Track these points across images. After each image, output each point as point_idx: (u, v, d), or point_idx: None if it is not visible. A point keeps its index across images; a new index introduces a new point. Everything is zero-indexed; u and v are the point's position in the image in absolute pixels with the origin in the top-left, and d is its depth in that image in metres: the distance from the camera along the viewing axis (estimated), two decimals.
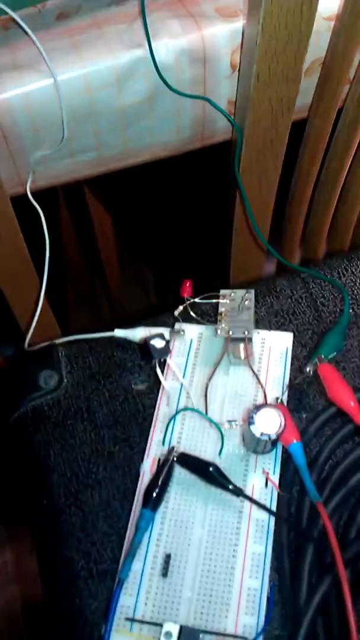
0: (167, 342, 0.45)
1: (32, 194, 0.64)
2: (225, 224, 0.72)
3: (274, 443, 0.43)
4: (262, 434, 0.41)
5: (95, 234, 1.01)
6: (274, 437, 0.41)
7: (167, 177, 0.93)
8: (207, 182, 0.89)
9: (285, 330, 0.51)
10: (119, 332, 0.51)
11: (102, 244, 1.01)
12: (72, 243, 1.00)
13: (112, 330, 0.52)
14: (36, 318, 0.62)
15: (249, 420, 0.42)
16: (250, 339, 0.47)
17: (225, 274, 0.77)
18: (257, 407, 0.42)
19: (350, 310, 0.52)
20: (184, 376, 0.49)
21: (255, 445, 0.43)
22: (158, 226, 1.00)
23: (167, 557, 0.41)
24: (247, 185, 0.67)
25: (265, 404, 0.42)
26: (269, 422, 0.41)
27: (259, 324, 0.53)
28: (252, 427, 0.41)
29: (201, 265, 0.65)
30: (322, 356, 0.46)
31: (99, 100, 0.59)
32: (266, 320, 0.53)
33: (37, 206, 0.63)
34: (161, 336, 0.44)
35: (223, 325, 0.47)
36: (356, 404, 0.43)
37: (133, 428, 0.48)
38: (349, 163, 0.70)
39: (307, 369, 0.46)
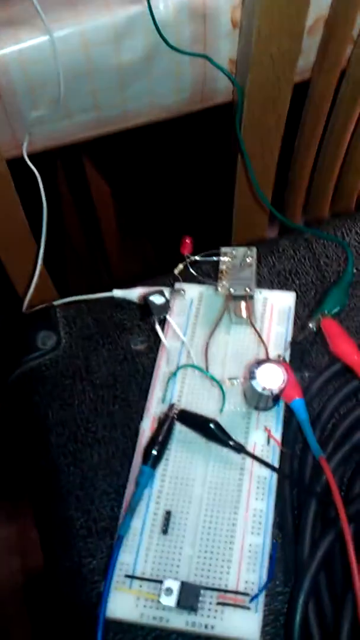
0: (167, 299, 0.44)
1: (29, 156, 0.63)
2: (227, 186, 0.71)
3: (276, 399, 0.42)
4: (263, 389, 0.40)
5: (95, 203, 1.00)
6: (276, 392, 0.40)
7: (168, 143, 0.92)
8: (207, 146, 0.88)
9: (288, 290, 0.50)
10: (117, 292, 0.50)
11: (102, 213, 1.00)
12: (71, 212, 0.99)
13: (111, 291, 0.51)
14: (34, 283, 0.61)
15: (250, 375, 0.41)
16: (251, 297, 0.46)
17: (227, 237, 0.76)
18: (259, 362, 0.41)
19: (354, 269, 0.51)
20: (184, 335, 0.48)
21: (256, 401, 0.42)
22: (158, 193, 0.99)
23: (167, 514, 0.41)
24: (249, 146, 0.65)
25: (267, 359, 0.41)
26: (271, 377, 0.40)
27: (261, 284, 0.52)
28: (253, 382, 0.40)
29: (203, 228, 0.63)
30: (325, 311, 0.45)
31: (96, 58, 0.57)
32: (268, 280, 0.52)
33: (34, 169, 0.62)
34: (160, 292, 0.43)
35: (224, 282, 0.46)
36: None
37: (132, 387, 0.47)
38: (353, 124, 0.69)
39: (310, 325, 0.45)
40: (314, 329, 0.45)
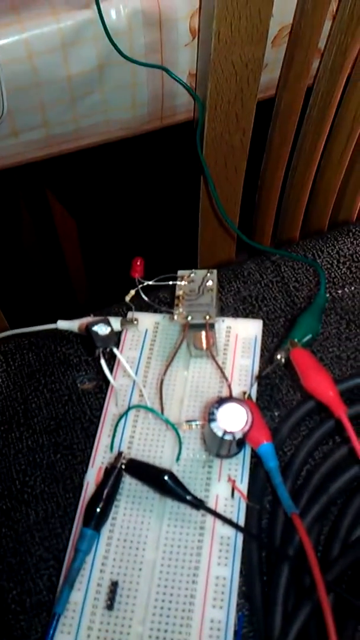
0: (113, 329, 0.38)
1: None
2: (194, 209, 0.66)
3: (240, 444, 0.36)
4: (225, 433, 0.34)
5: (60, 236, 0.95)
6: (239, 436, 0.34)
7: (130, 166, 0.87)
8: (170, 167, 0.83)
9: (254, 318, 0.45)
10: (62, 324, 0.44)
11: (67, 246, 0.95)
12: (33, 244, 0.94)
13: (55, 322, 0.45)
14: None
15: (209, 417, 0.35)
16: (212, 326, 0.40)
17: (193, 263, 0.70)
18: (219, 402, 0.35)
19: (327, 294, 0.46)
20: (137, 372, 0.42)
21: (218, 448, 0.36)
22: (122, 219, 0.94)
23: (113, 586, 0.34)
24: (212, 166, 0.61)
25: (228, 398, 0.35)
26: (233, 419, 0.34)
27: (225, 311, 0.46)
28: (213, 425, 0.34)
29: (169, 255, 0.58)
30: (295, 340, 0.39)
31: (42, 68, 0.52)
32: (232, 307, 0.46)
33: None
34: (105, 322, 0.37)
35: (180, 310, 0.40)
36: (336, 394, 0.36)
37: (78, 433, 0.41)
38: (322, 143, 0.64)
39: (278, 356, 0.39)
40: (283, 360, 0.39)
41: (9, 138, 0.57)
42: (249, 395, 0.39)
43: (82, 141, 0.61)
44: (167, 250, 0.70)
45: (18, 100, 0.54)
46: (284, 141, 0.64)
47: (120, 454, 0.37)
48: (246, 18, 0.48)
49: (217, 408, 0.35)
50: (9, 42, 0.50)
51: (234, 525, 0.35)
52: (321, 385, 0.36)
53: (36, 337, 0.45)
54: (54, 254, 0.97)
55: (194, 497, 0.35)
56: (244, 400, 0.37)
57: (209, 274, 0.42)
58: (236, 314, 0.46)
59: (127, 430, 0.40)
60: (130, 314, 0.44)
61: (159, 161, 0.85)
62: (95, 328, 0.37)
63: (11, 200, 0.90)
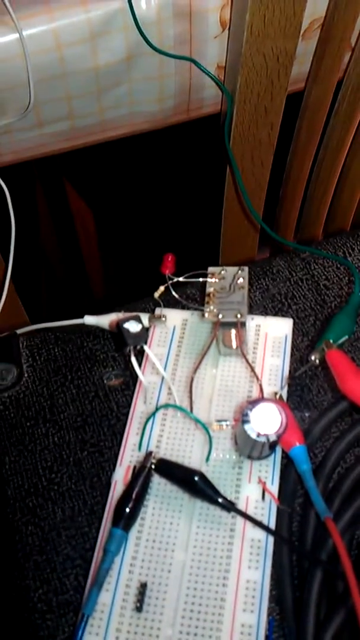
0: (144, 326, 0.37)
1: None
2: (215, 204, 0.65)
3: (273, 446, 0.36)
4: (258, 435, 0.34)
5: (76, 226, 0.94)
6: (273, 438, 0.34)
7: (152, 158, 0.86)
8: (193, 160, 0.82)
9: (284, 316, 0.44)
10: (89, 319, 0.44)
11: (83, 236, 0.94)
12: (49, 234, 0.93)
13: (82, 317, 0.44)
14: (0, 306, 0.54)
15: (243, 419, 0.34)
16: (243, 324, 0.39)
17: (214, 258, 0.69)
18: (252, 403, 0.34)
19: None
20: (165, 369, 0.41)
21: (250, 449, 0.36)
22: (142, 212, 0.93)
23: (142, 587, 0.34)
24: (239, 160, 0.59)
25: (262, 399, 0.34)
26: (267, 421, 0.34)
27: (253, 309, 0.45)
28: (246, 427, 0.34)
29: (189, 249, 0.57)
30: (331, 341, 0.38)
31: (70, 59, 0.51)
32: (261, 305, 0.45)
33: (2, 183, 0.56)
34: (137, 318, 0.37)
35: (211, 307, 0.40)
36: None
37: (104, 430, 0.41)
38: (350, 138, 0.63)
39: (313, 357, 0.38)
40: (317, 361, 0.38)
41: (34, 129, 0.56)
42: (281, 396, 0.38)
43: (107, 133, 0.61)
44: (188, 245, 0.70)
45: (44, 91, 0.53)
46: (312, 135, 0.63)
47: (150, 453, 0.37)
48: (280, 11, 0.48)
49: (250, 409, 0.34)
50: (38, 32, 0.50)
51: (265, 528, 0.34)
52: (358, 386, 0.36)
53: (62, 332, 0.45)
54: (71, 246, 0.97)
55: (225, 499, 0.34)
56: (276, 400, 0.36)
57: (240, 272, 0.41)
58: (265, 312, 0.45)
59: (155, 429, 0.39)
60: (158, 310, 0.44)
61: (182, 154, 0.84)
62: (127, 325, 0.36)
63: (29, 191, 0.90)
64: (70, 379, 0.43)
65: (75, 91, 0.55)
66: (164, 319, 0.43)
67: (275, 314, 0.45)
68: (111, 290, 1.00)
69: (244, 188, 0.58)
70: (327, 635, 0.31)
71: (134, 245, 0.94)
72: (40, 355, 0.44)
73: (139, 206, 0.94)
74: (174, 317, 0.44)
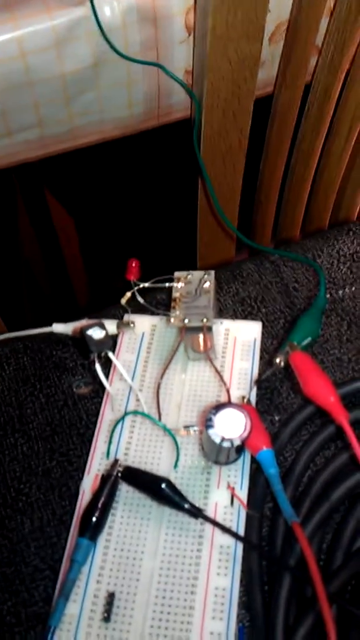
0: (107, 332, 0.37)
1: None
2: (192, 208, 0.65)
3: (239, 451, 0.35)
4: (223, 440, 0.33)
5: (58, 234, 0.94)
6: (237, 442, 0.33)
7: (129, 164, 0.86)
8: (168, 167, 0.82)
9: (253, 319, 0.44)
10: (58, 327, 0.43)
11: (65, 243, 0.93)
12: (31, 244, 0.93)
13: (51, 325, 0.44)
14: None
15: (207, 424, 0.34)
16: (209, 328, 0.39)
17: (192, 263, 0.69)
18: (217, 407, 0.34)
19: (328, 295, 0.45)
20: (133, 376, 0.41)
21: (216, 454, 0.35)
22: (121, 219, 0.93)
23: (110, 597, 0.33)
24: (210, 166, 0.59)
25: (226, 403, 0.34)
26: (231, 425, 0.33)
27: (223, 313, 0.45)
28: (210, 432, 0.33)
29: (169, 255, 0.57)
30: (295, 343, 0.38)
31: (36, 67, 0.51)
32: (231, 309, 0.45)
33: None
34: (100, 325, 0.36)
35: (177, 312, 0.39)
36: (337, 399, 0.35)
37: (74, 439, 0.40)
38: (322, 141, 0.63)
39: (277, 360, 0.38)
40: (282, 364, 0.38)
41: (3, 138, 0.56)
42: (248, 400, 0.38)
43: (78, 140, 0.60)
44: (166, 250, 0.70)
45: (11, 100, 0.53)
46: (283, 139, 0.63)
47: (116, 461, 0.36)
48: (242, 13, 0.47)
49: (214, 414, 0.34)
50: (1, 40, 0.49)
51: (234, 534, 0.34)
52: (321, 390, 0.35)
53: (31, 341, 0.44)
54: (53, 254, 0.96)
55: (192, 506, 0.34)
56: (242, 405, 0.36)
57: (206, 276, 0.41)
58: (235, 315, 0.45)
59: (123, 436, 0.39)
60: (126, 317, 0.43)
61: (157, 160, 0.84)
62: (90, 332, 0.36)
63: (9, 198, 0.89)
64: (40, 388, 0.42)
65: (42, 99, 0.54)
66: (132, 325, 0.42)
67: (245, 317, 0.45)
68: (95, 298, 0.99)
69: (214, 194, 0.58)
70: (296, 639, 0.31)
71: (115, 251, 0.94)
72: (9, 364, 0.44)
73: (117, 211, 0.94)
74: (143, 323, 0.43)
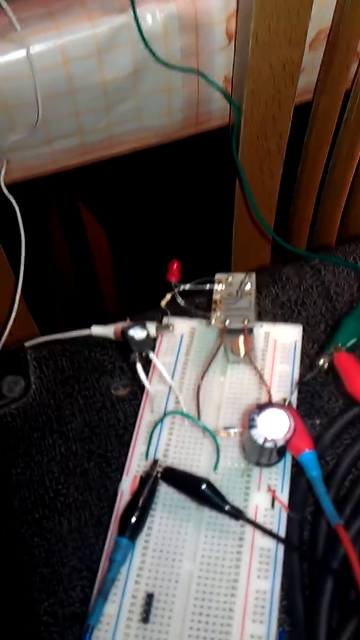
0: (149, 332, 0.37)
1: (7, 186, 0.57)
2: (226, 215, 0.65)
3: (281, 452, 0.35)
4: (266, 440, 0.33)
5: (90, 244, 0.94)
6: (281, 443, 0.33)
7: (162, 171, 0.87)
8: (203, 172, 0.82)
9: (294, 323, 0.43)
10: (96, 329, 0.43)
11: (97, 254, 0.94)
12: (64, 254, 0.94)
13: (89, 327, 0.44)
14: (11, 320, 0.54)
15: (250, 424, 0.33)
16: (250, 330, 0.39)
17: (227, 268, 0.69)
18: (260, 408, 0.34)
19: None
20: (173, 377, 0.41)
21: (258, 456, 0.35)
22: (154, 224, 0.93)
23: (149, 598, 0.33)
24: (248, 171, 0.59)
25: (269, 404, 0.34)
26: (274, 426, 0.33)
27: (262, 317, 0.45)
28: (253, 432, 0.33)
29: (201, 260, 0.57)
30: (339, 344, 0.38)
31: (77, 75, 0.52)
32: (271, 312, 0.45)
33: (12, 199, 0.56)
34: (141, 325, 0.36)
35: (218, 314, 0.39)
36: None
37: (112, 440, 0.40)
38: None
39: (321, 361, 0.38)
40: (325, 365, 0.38)
41: (43, 145, 0.56)
42: (290, 402, 0.38)
43: (116, 148, 0.61)
44: (200, 257, 0.69)
45: (53, 108, 0.53)
46: (321, 146, 0.62)
47: (155, 462, 0.36)
48: (284, 20, 0.48)
49: (257, 414, 0.33)
50: (45, 49, 0.50)
51: (274, 536, 0.34)
52: None
53: (70, 344, 0.44)
54: (85, 263, 0.97)
55: (233, 507, 0.34)
56: (284, 406, 0.35)
57: (247, 277, 0.41)
58: (275, 319, 0.44)
59: (163, 437, 0.38)
60: (165, 319, 0.43)
61: (191, 167, 0.84)
62: (131, 332, 0.36)
63: (43, 209, 0.90)
64: (78, 389, 0.42)
65: (83, 107, 0.55)
66: (171, 327, 0.42)
67: (285, 321, 0.44)
68: (125, 303, 1.00)
69: (252, 199, 0.58)
70: None
71: (147, 257, 0.94)
72: (48, 366, 0.44)
73: (150, 220, 0.94)
74: (182, 325, 0.43)
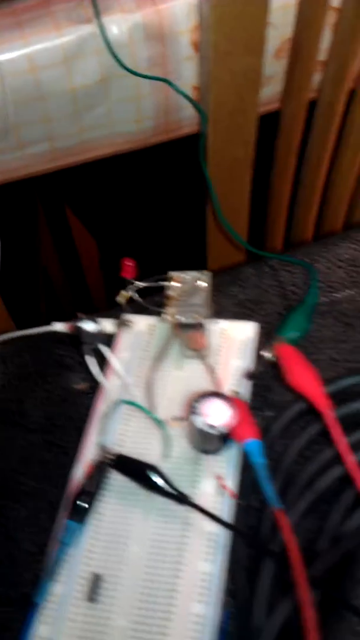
0: (101, 328, 0.38)
1: None
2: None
3: (225, 439, 0.36)
4: (206, 427, 0.34)
5: (79, 254, 0.96)
6: (221, 429, 0.34)
7: (148, 182, 0.88)
8: (182, 183, 0.84)
9: (251, 320, 0.45)
10: (58, 326, 0.45)
11: (85, 257, 0.96)
12: (51, 257, 0.95)
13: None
14: None
15: (192, 411, 0.35)
16: (202, 326, 0.40)
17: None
18: (202, 396, 0.35)
19: (325, 298, 0.46)
20: (130, 372, 0.42)
21: (202, 443, 0.36)
22: (139, 228, 0.95)
23: (96, 579, 0.34)
24: (217, 178, 0.61)
25: (211, 392, 0.35)
26: (216, 413, 0.34)
27: (221, 315, 0.46)
28: (194, 419, 0.34)
29: (184, 261, 0.59)
30: (282, 336, 0.39)
31: (46, 82, 0.53)
32: (230, 311, 0.46)
33: None
34: (92, 319, 0.38)
35: (172, 309, 0.41)
36: (320, 389, 0.36)
37: (71, 432, 0.41)
38: (329, 154, 0.64)
39: (265, 353, 0.39)
40: (269, 356, 0.39)
41: (15, 151, 0.58)
42: (238, 394, 0.39)
43: (89, 154, 0.62)
44: (177, 260, 0.71)
45: (23, 114, 0.55)
46: (290, 152, 0.64)
47: (106, 449, 0.37)
48: (242, 29, 0.49)
49: (199, 402, 0.35)
50: (13, 56, 0.52)
51: (218, 520, 0.35)
52: (306, 380, 0.36)
53: (34, 340, 0.46)
54: (72, 263, 0.98)
55: (178, 492, 0.35)
56: (232, 398, 0.37)
57: (201, 275, 0.42)
58: (233, 317, 0.46)
59: (117, 428, 0.40)
60: (125, 316, 0.45)
61: (173, 174, 0.86)
62: (82, 325, 0.38)
63: (30, 212, 0.92)
64: (40, 384, 0.44)
65: (53, 113, 0.56)
66: (130, 324, 0.44)
67: (243, 319, 0.45)
68: (112, 301, 1.01)
69: (217, 203, 0.60)
70: (277, 622, 0.31)
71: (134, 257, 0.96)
72: (13, 362, 0.45)
73: (135, 223, 0.96)
74: (141, 322, 0.45)
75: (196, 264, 0.71)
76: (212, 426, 0.34)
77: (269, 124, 0.63)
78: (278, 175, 0.66)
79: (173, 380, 0.42)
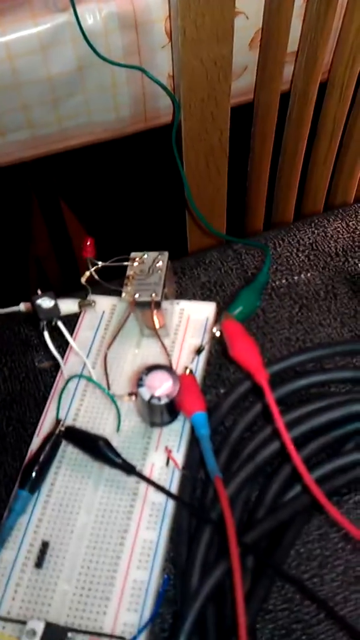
0: (57, 304, 0.39)
1: None
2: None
3: (171, 411, 0.37)
4: (152, 398, 0.35)
5: (73, 246, 0.97)
6: (166, 400, 0.35)
7: (131, 173, 0.89)
8: (166, 170, 0.85)
9: (211, 302, 0.46)
10: (23, 306, 0.46)
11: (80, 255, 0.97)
12: (44, 246, 0.96)
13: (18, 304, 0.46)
14: None
15: (139, 383, 0.36)
16: (158, 304, 0.41)
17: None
18: (148, 369, 0.36)
19: (284, 280, 0.47)
20: (89, 352, 0.43)
21: (149, 415, 0.37)
22: (127, 219, 0.96)
23: (44, 546, 0.35)
24: (193, 166, 0.62)
25: (157, 365, 0.36)
26: (161, 385, 0.36)
27: (183, 296, 0.47)
28: (140, 390, 0.36)
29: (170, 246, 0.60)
30: (229, 312, 0.40)
31: (23, 69, 0.55)
32: (190, 292, 0.47)
33: None
34: (49, 295, 0.39)
35: (129, 288, 0.42)
36: (258, 360, 0.37)
37: (31, 408, 0.43)
38: (304, 143, 0.65)
39: (214, 330, 0.40)
40: (218, 333, 0.40)
41: None
42: (190, 370, 0.40)
43: (68, 142, 0.64)
44: (162, 246, 0.72)
45: (1, 101, 0.56)
46: (264, 141, 0.65)
47: (58, 421, 0.39)
48: (209, 16, 0.50)
49: (145, 374, 0.36)
50: None
51: (163, 490, 0.36)
52: (245, 352, 0.37)
53: (1, 319, 0.47)
54: (63, 250, 0.99)
55: (125, 462, 0.36)
56: (182, 374, 0.38)
57: (159, 256, 0.43)
58: (194, 298, 0.47)
59: (74, 403, 0.41)
60: (89, 297, 0.46)
61: (159, 162, 0.87)
62: (39, 301, 0.39)
63: (24, 202, 0.93)
64: (4, 362, 0.45)
65: (31, 100, 0.58)
66: (93, 304, 0.45)
67: (203, 300, 0.47)
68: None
69: (189, 190, 0.61)
70: (207, 584, 0.32)
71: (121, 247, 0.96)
72: None
73: (124, 210, 0.97)
74: (103, 302, 0.46)
75: (180, 249, 0.73)
76: (156, 397, 0.35)
77: (247, 112, 0.64)
78: (255, 166, 0.67)
79: (131, 358, 0.43)
